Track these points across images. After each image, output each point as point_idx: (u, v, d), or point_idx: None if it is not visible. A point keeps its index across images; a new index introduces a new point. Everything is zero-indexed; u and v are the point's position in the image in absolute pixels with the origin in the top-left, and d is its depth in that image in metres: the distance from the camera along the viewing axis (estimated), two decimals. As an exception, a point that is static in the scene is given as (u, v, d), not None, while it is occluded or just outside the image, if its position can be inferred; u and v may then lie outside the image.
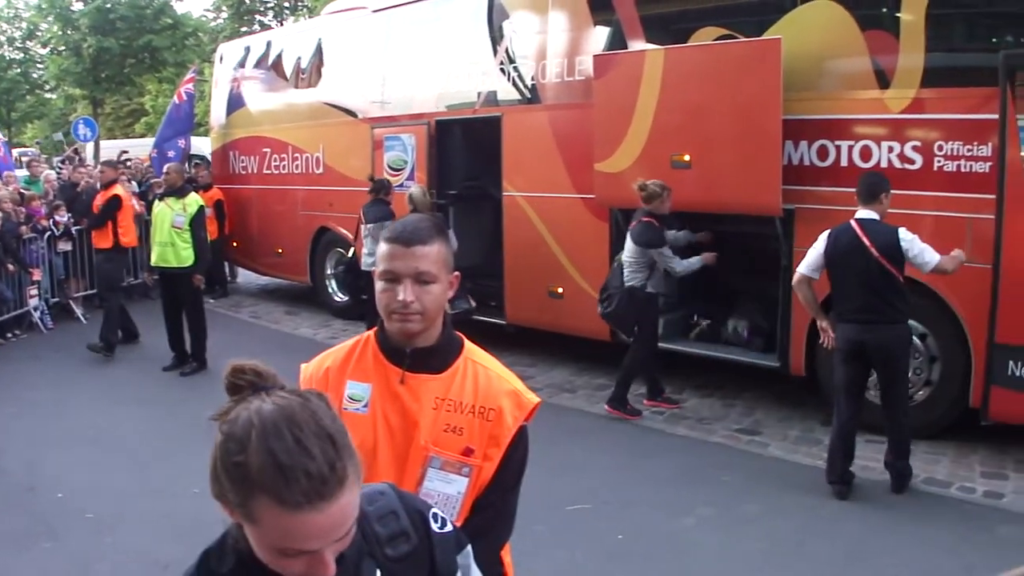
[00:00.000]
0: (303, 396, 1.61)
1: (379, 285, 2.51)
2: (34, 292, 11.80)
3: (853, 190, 6.35)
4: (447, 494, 2.48)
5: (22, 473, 7.06)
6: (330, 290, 12.67)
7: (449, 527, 1.96)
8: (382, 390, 2.54)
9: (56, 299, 12.51)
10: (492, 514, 2.54)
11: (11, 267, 11.21)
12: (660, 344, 8.50)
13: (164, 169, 10.59)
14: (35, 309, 11.84)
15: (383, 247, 2.52)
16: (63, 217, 12.49)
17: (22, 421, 8.23)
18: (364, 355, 2.61)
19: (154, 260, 9.88)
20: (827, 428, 7.37)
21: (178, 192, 9.76)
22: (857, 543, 5.58)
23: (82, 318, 12.45)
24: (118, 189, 11.07)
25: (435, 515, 1.94)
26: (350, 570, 1.76)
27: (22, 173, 15.09)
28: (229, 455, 1.53)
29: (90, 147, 26.82)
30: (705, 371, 8.70)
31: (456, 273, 2.58)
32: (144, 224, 13.07)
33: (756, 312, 8.56)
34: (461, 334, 2.66)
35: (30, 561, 5.73)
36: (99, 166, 12.67)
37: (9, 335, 11.40)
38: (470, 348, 2.63)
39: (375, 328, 2.61)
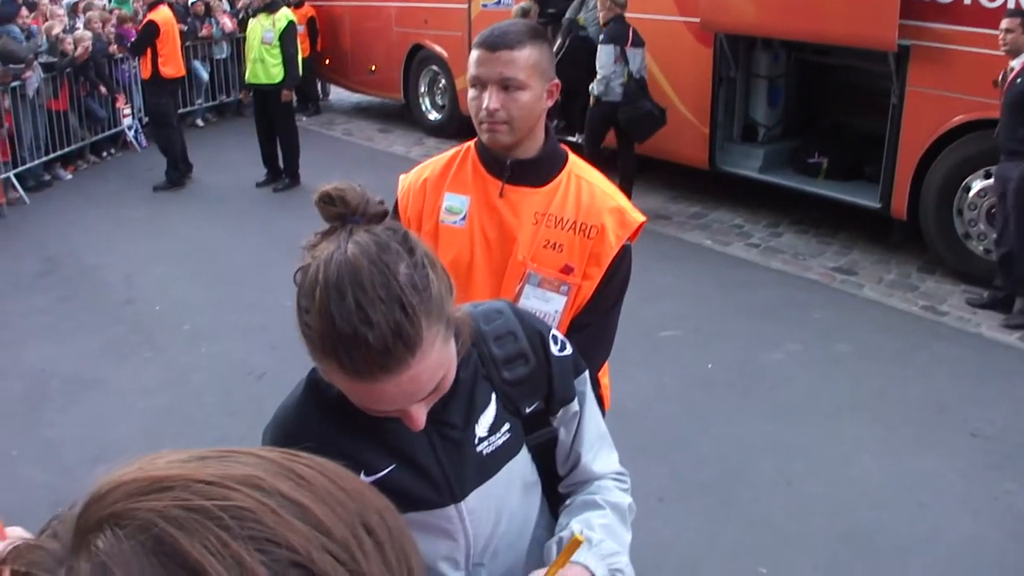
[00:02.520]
0: (384, 239, 1.44)
1: (470, 92, 2.41)
2: (127, 111, 11.86)
3: (975, 29, 5.97)
4: (544, 312, 2.41)
5: (121, 287, 7.24)
6: (423, 108, 12.51)
7: (569, 350, 1.85)
8: (480, 203, 2.45)
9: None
10: (590, 334, 2.47)
11: (103, 88, 11.25)
12: (761, 176, 8.30)
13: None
14: (129, 128, 11.93)
15: (472, 53, 2.40)
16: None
17: (119, 237, 8.40)
18: (463, 166, 2.52)
19: (247, 77, 9.86)
20: (924, 274, 7.23)
21: (269, 8, 9.60)
22: (947, 392, 5.49)
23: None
24: (156, 14, 10.18)
25: (555, 337, 1.83)
26: (465, 394, 1.70)
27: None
28: (299, 311, 1.44)
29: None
30: (803, 206, 8.47)
31: (556, 81, 2.45)
32: (236, 42, 12.99)
33: (857, 150, 8.27)
34: (567, 147, 2.55)
35: (131, 370, 5.92)
36: None
37: (104, 154, 11.53)
38: (574, 162, 2.52)
39: (476, 139, 2.51)
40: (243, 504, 0.62)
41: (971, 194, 6.90)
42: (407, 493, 1.66)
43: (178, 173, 10.06)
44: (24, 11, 10.94)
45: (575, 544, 1.58)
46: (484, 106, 2.32)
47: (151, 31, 9.90)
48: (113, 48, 11.59)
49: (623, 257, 2.44)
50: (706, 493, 4.63)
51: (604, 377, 2.67)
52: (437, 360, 1.45)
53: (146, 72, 10.09)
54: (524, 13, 9.32)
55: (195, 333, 6.38)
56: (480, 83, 2.34)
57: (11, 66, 9.59)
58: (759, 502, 4.54)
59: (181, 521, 0.60)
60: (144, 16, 10.70)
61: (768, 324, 6.38)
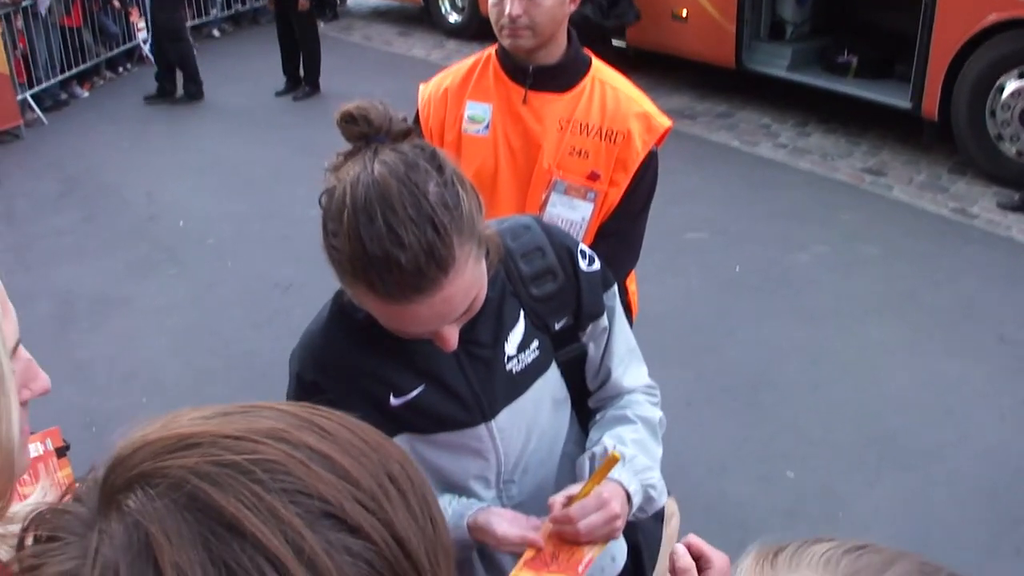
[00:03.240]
0: (412, 158, 1.40)
1: None
2: (141, 25, 11.71)
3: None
4: (571, 220, 2.39)
5: (143, 203, 7.23)
6: (443, 10, 12.30)
7: (597, 265, 1.81)
8: (503, 110, 2.41)
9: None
10: (617, 241, 2.44)
11: (116, 3, 11.10)
12: (789, 75, 8.14)
13: None
14: (144, 42, 11.79)
15: None
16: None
17: (139, 153, 8.35)
18: (485, 74, 2.47)
19: (261, -16, 9.74)
20: (955, 176, 7.10)
21: (288, -85, 9.42)
22: (976, 296, 5.43)
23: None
24: None
25: (583, 252, 1.79)
26: (493, 312, 1.68)
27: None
28: (326, 235, 1.42)
29: None
30: (830, 105, 8.31)
31: None
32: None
33: (888, 49, 8.07)
34: (591, 51, 2.49)
35: (157, 286, 5.94)
36: None
37: (120, 69, 11.41)
38: (598, 67, 2.46)
39: (497, 45, 2.45)
40: (273, 457, 0.61)
41: (1004, 95, 6.72)
42: (437, 414, 1.66)
43: (196, 86, 9.88)
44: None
45: (612, 461, 1.57)
46: (506, 12, 2.26)
47: None
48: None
49: (650, 163, 2.41)
50: (733, 397, 4.63)
51: (632, 284, 2.66)
52: (470, 279, 1.43)
53: None
54: None
55: (219, 247, 6.38)
56: None
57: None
58: (786, 406, 4.54)
59: (213, 476, 0.60)
60: None
61: (795, 226, 6.31)
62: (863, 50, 8.16)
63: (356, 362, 1.65)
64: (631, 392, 1.86)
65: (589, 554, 1.53)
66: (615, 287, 1.86)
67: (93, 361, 5.18)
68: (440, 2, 12.23)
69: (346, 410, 1.61)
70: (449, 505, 1.72)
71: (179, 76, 9.90)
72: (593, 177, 2.38)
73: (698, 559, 1.37)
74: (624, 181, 2.39)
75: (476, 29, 11.38)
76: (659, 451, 1.83)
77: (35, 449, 1.44)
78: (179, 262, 6.23)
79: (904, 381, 4.67)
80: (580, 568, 1.51)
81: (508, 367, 1.71)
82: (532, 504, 1.80)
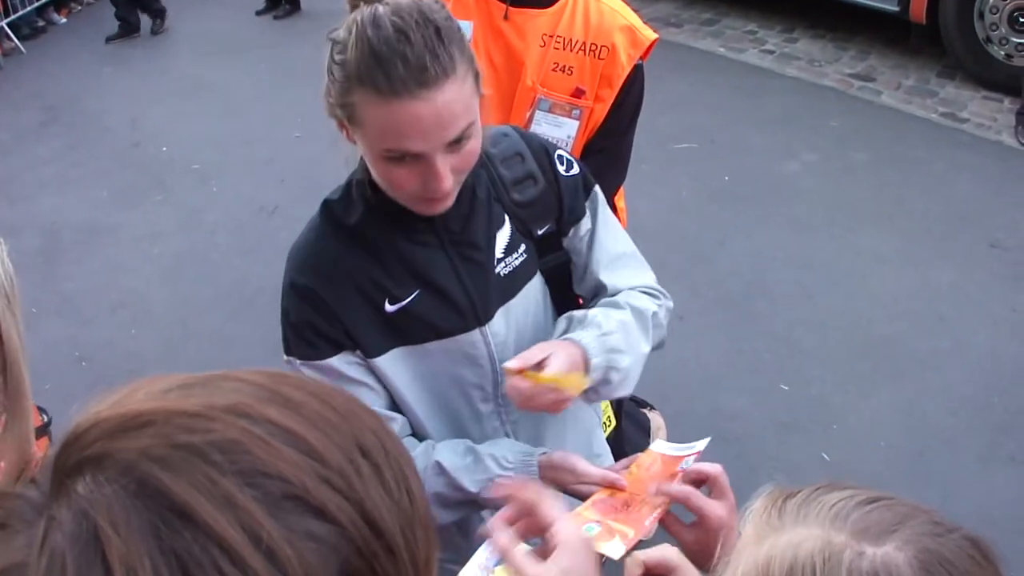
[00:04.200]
0: None
1: None
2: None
3: None
4: (556, 138, 2.36)
5: (126, 130, 7.14)
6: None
7: (576, 168, 1.82)
8: (485, 27, 2.36)
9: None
10: (604, 158, 2.41)
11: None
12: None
13: None
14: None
15: None
16: None
17: (120, 80, 8.20)
18: None
19: None
20: (943, 79, 7.01)
21: None
22: (965, 202, 5.41)
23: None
24: None
25: (560, 156, 1.80)
26: (483, 213, 1.69)
27: None
28: (333, 58, 1.47)
29: None
30: (817, 10, 8.19)
31: None
32: None
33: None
34: None
35: (143, 214, 5.90)
36: None
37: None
38: None
39: None
40: (230, 436, 0.58)
41: (993, -3, 6.64)
42: (433, 320, 1.68)
43: (131, 23, 9.21)
44: None
45: (576, 381, 1.58)
46: None
47: None
48: None
49: (635, 77, 2.37)
50: (725, 309, 4.64)
51: (620, 200, 2.63)
52: (468, 99, 1.49)
53: None
54: None
55: (204, 172, 6.31)
56: None
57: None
58: (778, 316, 4.56)
59: (166, 459, 0.56)
60: None
61: (784, 133, 6.25)
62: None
63: (350, 267, 1.65)
64: (632, 290, 1.85)
65: (656, 511, 1.51)
66: (597, 190, 1.86)
67: (81, 293, 5.16)
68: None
69: (343, 315, 1.63)
70: (487, 452, 1.71)
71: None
72: (578, 93, 2.34)
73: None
74: (610, 97, 2.36)
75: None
76: (644, 346, 1.80)
77: None
78: (164, 189, 6.17)
79: (896, 289, 4.67)
80: (647, 522, 1.49)
81: (497, 270, 1.72)
82: (527, 421, 1.82)
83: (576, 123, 2.36)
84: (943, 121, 6.42)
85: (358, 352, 1.67)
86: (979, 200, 5.40)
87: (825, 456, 3.77)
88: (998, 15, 6.60)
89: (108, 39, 9.15)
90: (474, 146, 1.53)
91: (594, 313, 1.74)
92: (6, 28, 9.42)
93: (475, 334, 1.71)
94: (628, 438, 2.12)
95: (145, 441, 0.57)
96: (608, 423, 2.19)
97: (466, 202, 1.67)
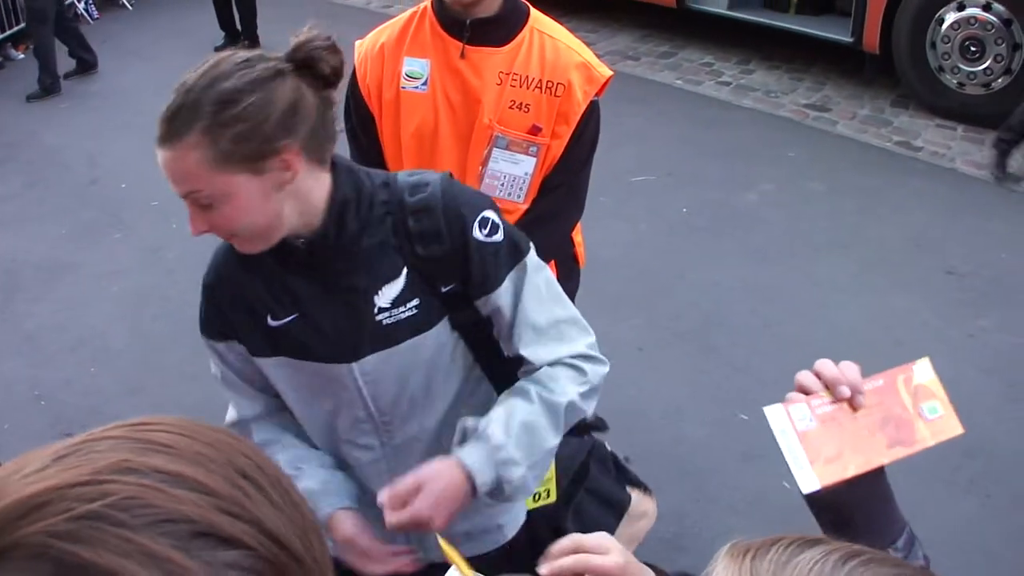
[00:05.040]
0: (254, 60, 1.68)
1: None
2: (76, -18, 11.44)
3: None
4: (514, 175, 2.38)
5: (84, 166, 7.09)
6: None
7: (500, 235, 1.77)
8: (441, 66, 2.38)
9: (100, -14, 12.14)
10: (562, 194, 2.44)
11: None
12: (730, 12, 8.12)
13: None
14: (78, 1, 11.52)
15: None
16: None
17: (78, 115, 8.17)
18: (421, 28, 2.43)
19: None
20: (898, 109, 7.13)
21: None
22: (923, 229, 5.49)
23: (127, 4, 12.11)
24: None
25: (485, 220, 1.76)
26: (368, 260, 1.74)
27: None
28: None
29: None
30: (772, 42, 8.31)
31: None
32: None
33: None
34: (527, 1, 2.45)
35: (103, 251, 5.86)
36: None
37: (56, 29, 11.13)
38: (536, 17, 2.44)
39: None
40: (127, 494, 0.58)
41: (944, 26, 6.75)
42: (304, 343, 1.78)
43: (53, 78, 8.90)
44: None
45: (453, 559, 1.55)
46: None
47: None
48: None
49: (592, 114, 2.40)
50: (685, 340, 4.67)
51: (577, 235, 2.66)
52: (195, 170, 1.60)
53: None
54: None
55: (163, 209, 6.26)
56: None
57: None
58: (738, 347, 4.59)
59: (74, 533, 0.56)
60: None
61: (741, 164, 6.33)
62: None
63: (243, 280, 1.79)
64: (554, 364, 1.83)
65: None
66: (529, 259, 1.83)
67: (40, 331, 5.10)
68: (378, -52, 12.04)
69: (232, 316, 1.81)
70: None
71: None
72: (535, 131, 2.36)
73: None
74: (566, 133, 2.38)
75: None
76: (552, 440, 1.80)
77: None
78: (124, 226, 6.13)
79: (854, 317, 4.73)
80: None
81: (379, 318, 1.76)
82: (407, 448, 1.89)
83: (533, 160, 2.38)
84: (898, 150, 6.53)
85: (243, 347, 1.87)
86: (935, 227, 5.48)
87: (786, 484, 3.78)
88: (949, 44, 6.73)
89: (66, 75, 9.05)
90: (226, 215, 1.63)
91: (489, 420, 1.75)
92: (-36, 64, 9.38)
93: (342, 368, 1.79)
94: (586, 512, 2.10)
95: (47, 521, 0.56)
96: (543, 495, 2.06)
97: (348, 246, 1.72)
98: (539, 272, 1.85)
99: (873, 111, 7.20)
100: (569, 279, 2.67)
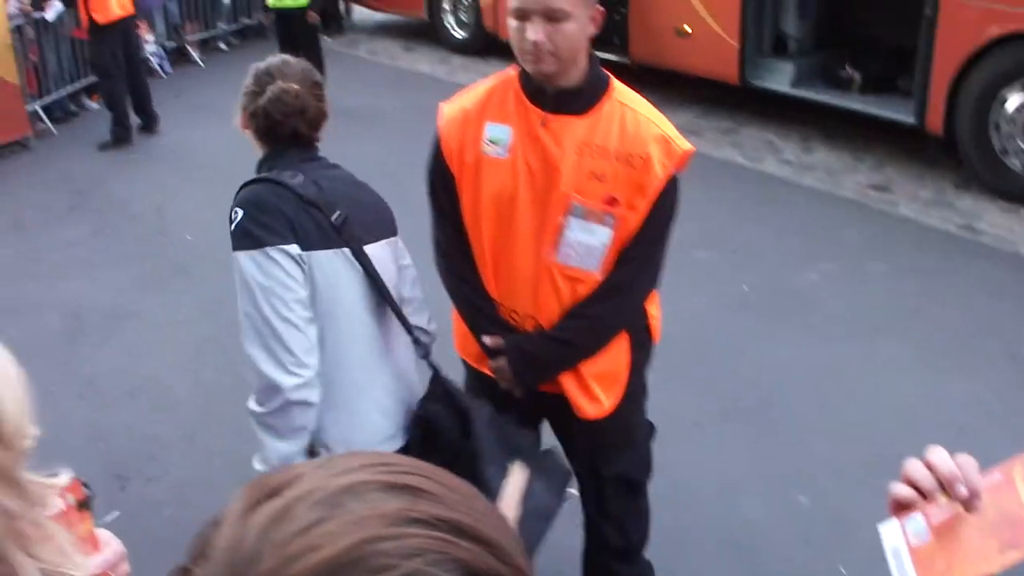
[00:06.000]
0: None
1: (511, 23, 2.35)
2: (149, 38, 11.73)
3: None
4: (589, 245, 2.39)
5: (151, 216, 7.24)
6: (448, 25, 12.31)
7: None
8: (523, 133, 2.41)
9: (173, 44, 12.45)
10: (637, 266, 2.46)
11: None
12: (792, 91, 8.15)
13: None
14: (152, 56, 11.81)
15: None
16: (174, -39, 12.22)
17: (147, 165, 8.37)
18: (505, 95, 2.47)
19: (269, 1, 9.67)
20: (960, 191, 7.09)
21: (293, -72, 9.41)
22: (985, 313, 5.42)
23: (199, 62, 12.40)
24: None
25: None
26: None
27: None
28: None
29: None
30: (834, 120, 8.32)
31: (599, 8, 2.39)
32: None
33: (891, 63, 8.08)
34: (609, 72, 2.49)
35: (166, 301, 5.95)
36: None
37: (129, 82, 11.42)
38: (618, 88, 2.47)
39: (518, 67, 2.46)
40: (431, 548, 0.60)
41: (1008, 108, 6.73)
42: None
43: (124, 129, 9.23)
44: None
45: None
46: (528, 37, 2.26)
47: None
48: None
49: (670, 188, 2.41)
50: (742, 418, 4.62)
51: (653, 308, 2.67)
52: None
53: (83, 20, 9.00)
54: None
55: (227, 262, 6.30)
56: (523, 14, 2.28)
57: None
58: (796, 426, 4.53)
59: None
60: None
61: (802, 243, 6.32)
62: (866, 65, 8.18)
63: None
64: None
65: None
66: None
67: (101, 375, 5.17)
68: (445, 18, 12.24)
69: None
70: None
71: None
72: (611, 202, 2.38)
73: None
74: (643, 206, 2.39)
75: (481, 45, 11.41)
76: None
77: (56, 504, 1.39)
78: (189, 276, 6.23)
79: (914, 400, 4.66)
80: None
81: None
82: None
83: (609, 231, 2.40)
84: (960, 232, 6.49)
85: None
86: (998, 312, 5.41)
87: (842, 570, 3.72)
88: (1013, 126, 6.70)
89: (101, 147, 9.14)
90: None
91: None
92: (39, 110, 9.63)
93: None
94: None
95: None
96: None
97: None
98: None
99: (935, 193, 7.17)
100: (640, 351, 2.67)
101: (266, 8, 10.43)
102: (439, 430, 2.42)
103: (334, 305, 2.39)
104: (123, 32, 9.21)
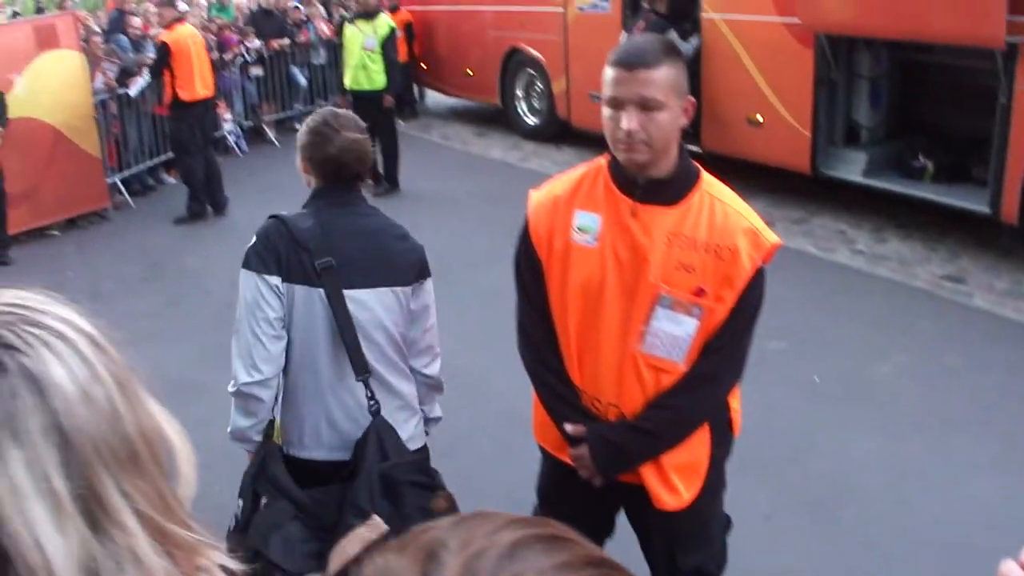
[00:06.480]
0: None
1: (605, 112, 2.37)
2: (228, 117, 12.05)
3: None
4: (675, 335, 2.38)
5: (223, 290, 7.29)
6: (521, 112, 12.49)
7: None
8: (612, 222, 2.42)
9: (250, 123, 12.76)
10: (722, 358, 2.44)
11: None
12: (865, 180, 8.12)
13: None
14: (230, 134, 12.12)
15: (607, 71, 2.36)
16: (254, 43, 12.57)
17: (222, 242, 8.51)
18: (595, 184, 2.49)
19: (347, 83, 9.87)
20: (1037, 282, 6.97)
21: (369, 14, 9.68)
22: (1068, 406, 5.27)
23: (275, 141, 12.69)
24: (171, 34, 9.30)
25: None
26: None
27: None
28: None
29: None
30: (907, 210, 8.26)
31: (691, 99, 2.41)
32: (333, 48, 13.12)
33: (964, 152, 8.02)
34: (699, 164, 2.50)
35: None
36: (155, 6, 10.74)
37: (206, 159, 11.71)
38: (707, 180, 2.48)
39: (608, 156, 2.48)
40: None
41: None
42: None
43: (200, 205, 9.57)
44: (135, 20, 11.13)
45: None
46: (623, 127, 2.28)
47: (163, 53, 9.29)
48: (214, 55, 11.77)
49: (757, 280, 2.40)
50: (814, 512, 4.52)
51: (735, 401, 2.64)
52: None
53: (167, 96, 9.43)
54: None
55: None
56: (618, 103, 2.31)
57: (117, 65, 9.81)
58: (869, 522, 4.42)
59: None
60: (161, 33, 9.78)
61: (875, 334, 6.23)
62: (939, 154, 8.13)
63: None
64: None
65: None
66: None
67: (170, 447, 5.20)
68: (518, 104, 12.43)
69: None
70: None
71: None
72: (699, 293, 2.37)
73: None
74: (730, 298, 2.38)
75: (553, 132, 11.56)
76: None
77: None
78: (256, 351, 6.28)
79: (994, 498, 4.52)
80: None
81: None
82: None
83: (695, 321, 2.38)
84: (1038, 325, 6.35)
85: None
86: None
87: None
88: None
89: (176, 221, 9.45)
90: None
91: None
92: (119, 183, 9.91)
93: None
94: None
95: None
96: None
97: None
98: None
99: (1011, 283, 7.05)
100: (721, 444, 2.65)
101: (343, 91, 10.69)
102: None
103: (302, 331, 2.90)
104: (204, 111, 9.51)
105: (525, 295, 2.63)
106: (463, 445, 5.01)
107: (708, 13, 9.32)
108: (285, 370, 2.93)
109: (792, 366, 5.80)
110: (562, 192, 2.54)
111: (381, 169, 9.99)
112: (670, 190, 2.41)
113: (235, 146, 12.12)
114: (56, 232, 9.30)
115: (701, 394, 2.45)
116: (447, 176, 10.38)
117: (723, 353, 2.44)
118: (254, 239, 2.93)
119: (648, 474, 2.52)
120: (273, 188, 10.07)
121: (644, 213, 2.39)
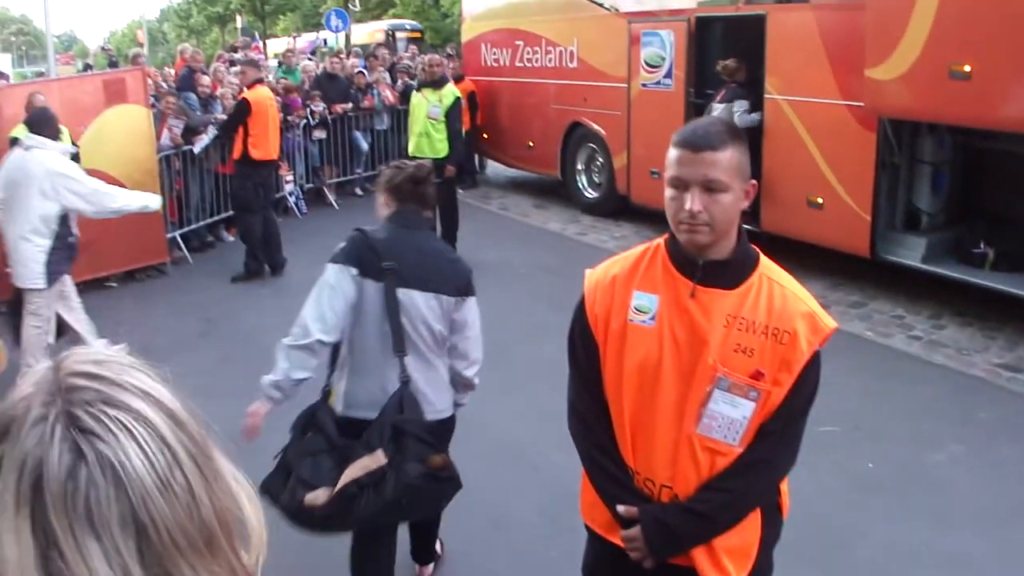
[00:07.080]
0: None
1: (668, 192, 2.39)
2: (289, 178, 12.27)
3: None
4: (732, 418, 2.37)
5: (270, 350, 7.39)
6: (580, 185, 12.57)
7: None
8: (670, 303, 2.43)
9: (311, 185, 12.96)
10: (776, 441, 2.42)
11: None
12: (924, 266, 8.05)
13: (425, 60, 10.59)
14: (291, 195, 12.33)
15: (671, 151, 2.38)
16: (319, 107, 12.82)
17: (277, 301, 8.60)
18: (653, 264, 2.50)
19: (410, 150, 9.97)
20: (1094, 374, 6.84)
21: (435, 83, 9.82)
22: None
23: (335, 204, 12.88)
24: (251, 93, 9.68)
25: None
26: None
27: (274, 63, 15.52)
28: None
29: (342, 37, 27.46)
30: (965, 297, 8.16)
31: (752, 181, 2.42)
32: (397, 114, 13.33)
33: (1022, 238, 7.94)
34: (757, 247, 2.51)
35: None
36: (240, 65, 11.22)
37: (265, 219, 11.90)
38: (766, 264, 2.48)
39: (666, 236, 2.49)
40: None
41: None
42: None
43: (257, 263, 9.71)
44: (204, 79, 11.40)
45: None
46: (686, 207, 2.30)
47: (242, 110, 9.55)
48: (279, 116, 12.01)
49: (814, 364, 2.40)
50: (865, 603, 4.43)
51: (784, 484, 2.61)
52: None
53: (236, 153, 9.66)
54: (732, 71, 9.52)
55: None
56: (682, 184, 2.32)
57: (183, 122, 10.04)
58: (920, 615, 4.33)
59: None
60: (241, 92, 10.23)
61: (930, 423, 6.13)
62: (1000, 241, 8.07)
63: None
64: None
65: None
66: None
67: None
68: (577, 177, 12.52)
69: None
70: None
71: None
72: (757, 376, 2.36)
73: None
74: (788, 381, 2.37)
75: (612, 206, 11.62)
76: None
77: None
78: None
79: (1052, 596, 4.42)
80: None
81: None
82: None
83: (752, 404, 2.37)
84: (1097, 417, 6.21)
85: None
86: None
87: None
88: None
89: (234, 279, 9.61)
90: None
91: None
92: (178, 238, 10.08)
93: None
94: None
95: None
96: None
97: None
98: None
99: (1070, 375, 6.92)
100: (771, 527, 2.61)
101: (407, 157, 10.81)
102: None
103: (368, 315, 3.73)
104: (269, 172, 9.69)
105: (578, 373, 2.63)
106: (512, 517, 4.99)
107: (771, 94, 9.39)
108: (352, 348, 3.79)
109: (844, 451, 5.71)
110: (620, 271, 2.55)
111: (440, 235, 10.05)
112: (730, 272, 2.41)
113: (295, 207, 12.31)
114: (114, 284, 9.47)
115: (756, 477, 2.43)
116: (504, 246, 10.46)
117: (779, 436, 2.42)
118: (342, 244, 3.80)
119: (699, 556, 2.49)
120: (331, 250, 10.10)
121: (703, 295, 2.39)
